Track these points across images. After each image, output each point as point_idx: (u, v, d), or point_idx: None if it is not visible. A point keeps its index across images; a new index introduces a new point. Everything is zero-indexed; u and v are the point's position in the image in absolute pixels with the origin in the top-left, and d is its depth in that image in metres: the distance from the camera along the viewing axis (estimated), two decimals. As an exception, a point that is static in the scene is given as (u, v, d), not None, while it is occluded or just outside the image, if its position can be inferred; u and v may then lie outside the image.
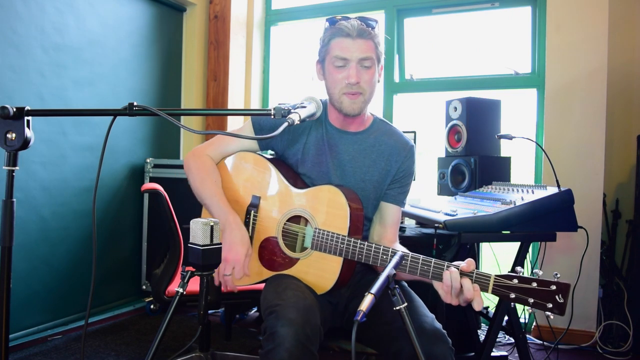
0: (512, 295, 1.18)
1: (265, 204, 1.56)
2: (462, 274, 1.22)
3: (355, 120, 1.57)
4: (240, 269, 1.44)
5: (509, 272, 1.23)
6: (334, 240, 1.42)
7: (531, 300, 1.17)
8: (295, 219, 1.53)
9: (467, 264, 1.23)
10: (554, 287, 1.15)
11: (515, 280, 1.18)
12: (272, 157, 1.67)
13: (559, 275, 1.17)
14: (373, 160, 1.58)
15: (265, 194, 1.57)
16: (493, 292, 1.21)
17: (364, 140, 1.59)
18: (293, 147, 1.59)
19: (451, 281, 1.22)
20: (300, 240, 1.53)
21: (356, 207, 1.48)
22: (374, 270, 1.60)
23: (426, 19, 3.53)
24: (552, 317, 1.16)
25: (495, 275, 1.21)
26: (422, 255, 1.31)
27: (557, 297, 1.15)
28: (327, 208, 1.47)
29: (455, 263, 1.25)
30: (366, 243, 1.39)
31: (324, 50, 1.52)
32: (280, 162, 1.62)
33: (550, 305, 1.15)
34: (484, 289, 1.21)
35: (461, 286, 1.21)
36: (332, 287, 1.43)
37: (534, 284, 1.17)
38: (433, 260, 1.29)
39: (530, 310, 1.18)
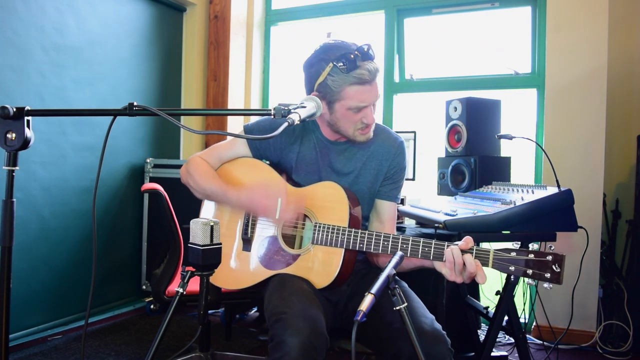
0: (512, 268, 1.25)
1: None
2: (463, 251, 1.26)
3: None
4: (283, 191, 1.44)
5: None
6: (335, 232, 1.43)
7: (530, 272, 1.23)
8: None
9: (464, 242, 1.28)
10: (550, 258, 1.22)
11: (514, 253, 1.25)
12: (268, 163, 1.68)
13: (553, 248, 1.24)
14: (364, 163, 1.60)
15: None
16: (493, 266, 1.26)
17: (353, 144, 1.60)
18: (287, 156, 1.60)
19: (453, 257, 1.26)
20: (300, 236, 1.53)
21: (354, 203, 1.50)
22: (375, 270, 1.61)
23: (426, 19, 3.53)
24: (550, 287, 1.23)
25: (494, 250, 1.26)
26: (422, 238, 1.34)
27: (553, 267, 1.21)
28: (326, 202, 1.48)
29: (454, 243, 1.29)
30: (367, 232, 1.41)
31: (335, 94, 1.45)
32: (277, 166, 1.64)
33: (548, 275, 1.21)
34: (485, 263, 1.26)
35: (464, 262, 1.25)
36: (333, 280, 1.43)
37: (531, 256, 1.23)
38: (433, 241, 1.32)
39: (530, 282, 1.24)
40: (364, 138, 1.54)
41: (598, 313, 2.82)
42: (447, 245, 1.29)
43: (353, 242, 1.41)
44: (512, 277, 1.27)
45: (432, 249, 1.32)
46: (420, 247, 1.33)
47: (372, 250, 1.40)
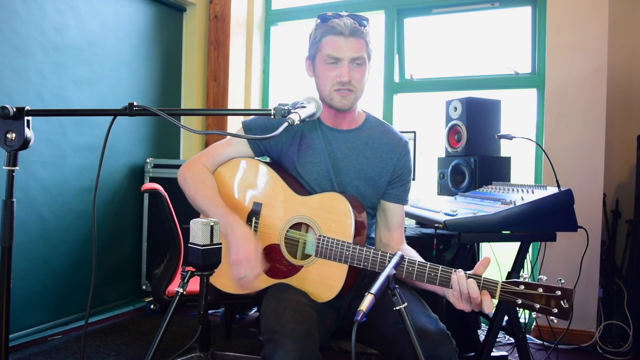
0: (519, 301, 1.20)
1: (266, 211, 1.54)
2: (469, 276, 1.23)
3: (347, 117, 1.58)
4: (254, 266, 1.40)
5: (509, 271, 1.23)
6: (339, 247, 1.41)
7: (537, 306, 1.18)
8: (298, 226, 1.52)
9: (481, 261, 1.26)
10: (559, 293, 1.17)
11: (522, 287, 1.20)
12: (270, 162, 1.65)
13: (563, 281, 1.19)
14: (367, 158, 1.58)
15: (266, 201, 1.54)
16: (500, 299, 1.22)
17: (356, 137, 1.59)
18: (288, 150, 1.58)
19: (459, 285, 1.24)
20: (302, 247, 1.51)
21: (359, 211, 1.47)
22: (377, 272, 1.60)
23: (426, 19, 3.53)
24: (556, 321, 1.19)
25: (502, 282, 1.22)
26: (429, 262, 1.32)
27: (562, 302, 1.17)
28: (331, 215, 1.46)
29: (468, 273, 1.26)
30: (372, 250, 1.38)
31: (315, 47, 1.52)
32: (279, 167, 1.61)
33: (555, 311, 1.17)
34: (492, 295, 1.23)
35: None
36: (336, 295, 1.42)
37: (540, 290, 1.18)
38: (440, 267, 1.30)
39: (535, 315, 1.20)
40: (343, 102, 1.49)
41: (598, 313, 2.82)
42: (455, 271, 1.27)
43: (357, 260, 1.39)
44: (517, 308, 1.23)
45: (439, 274, 1.29)
46: (427, 272, 1.31)
47: (376, 270, 1.38)
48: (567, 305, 1.16)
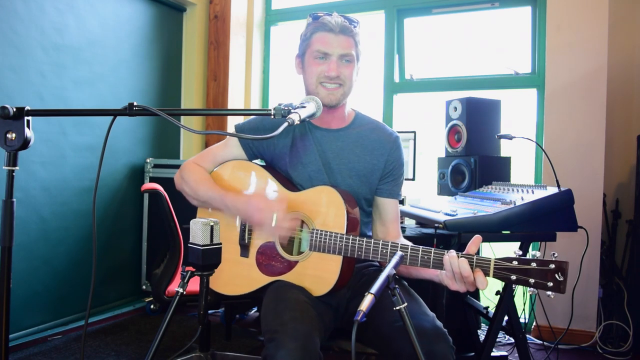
0: (513, 277, 1.21)
1: None
2: (462, 256, 1.25)
3: (336, 116, 1.59)
4: (280, 205, 1.41)
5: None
6: (332, 239, 1.42)
7: (532, 281, 1.19)
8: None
9: (473, 240, 1.27)
10: (552, 266, 1.18)
11: (515, 262, 1.21)
12: (262, 164, 1.67)
13: (556, 255, 1.19)
14: (357, 155, 1.58)
15: None
16: (494, 276, 1.23)
17: (346, 136, 1.60)
18: (281, 152, 1.59)
19: (450, 265, 1.25)
20: (298, 242, 1.51)
21: (352, 206, 1.48)
22: (374, 270, 1.60)
23: (426, 19, 3.53)
24: (552, 296, 1.19)
25: (495, 259, 1.23)
26: (421, 246, 1.33)
27: (556, 275, 1.17)
28: (323, 208, 1.47)
29: (460, 253, 1.27)
30: (365, 239, 1.39)
31: (305, 44, 1.55)
32: (271, 168, 1.63)
33: (550, 284, 1.17)
34: (486, 273, 1.24)
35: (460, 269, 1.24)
36: (332, 288, 1.42)
37: (534, 264, 1.19)
38: (432, 249, 1.31)
39: (531, 292, 1.20)
40: (329, 97, 1.50)
41: (598, 313, 2.82)
42: (447, 252, 1.28)
43: (351, 250, 1.40)
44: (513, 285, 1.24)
45: (432, 257, 1.30)
46: (420, 255, 1.32)
47: (370, 258, 1.39)
48: (562, 278, 1.16)
